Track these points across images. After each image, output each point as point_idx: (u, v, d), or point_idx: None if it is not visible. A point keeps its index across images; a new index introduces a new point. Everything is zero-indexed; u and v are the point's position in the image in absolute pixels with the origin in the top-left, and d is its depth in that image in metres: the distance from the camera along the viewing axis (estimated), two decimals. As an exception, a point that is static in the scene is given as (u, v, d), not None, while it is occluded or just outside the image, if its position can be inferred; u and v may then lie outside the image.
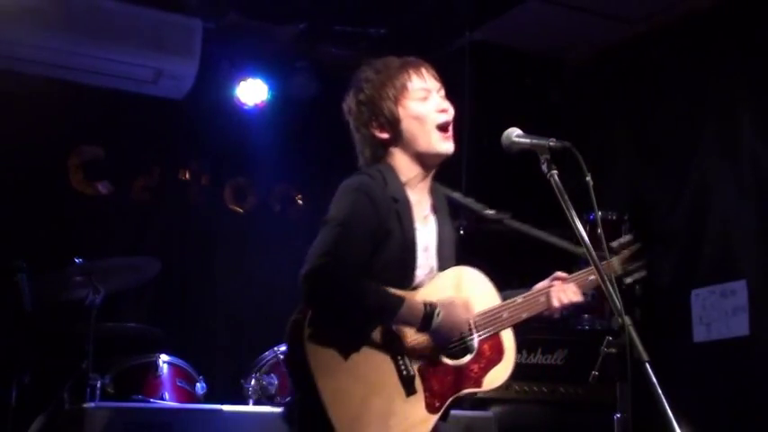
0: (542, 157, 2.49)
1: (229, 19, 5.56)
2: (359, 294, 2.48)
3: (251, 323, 5.75)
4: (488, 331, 2.68)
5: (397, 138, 2.72)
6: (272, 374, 4.61)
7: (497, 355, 2.69)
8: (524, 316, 2.74)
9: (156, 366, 4.53)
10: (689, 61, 5.26)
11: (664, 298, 5.20)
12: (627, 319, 2.21)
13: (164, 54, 5.30)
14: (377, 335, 2.52)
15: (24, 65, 5.26)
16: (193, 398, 4.56)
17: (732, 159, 4.97)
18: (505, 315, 2.70)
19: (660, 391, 2.08)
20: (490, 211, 3.03)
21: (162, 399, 4.45)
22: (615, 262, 2.91)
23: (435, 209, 2.80)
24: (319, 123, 6.01)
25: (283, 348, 4.69)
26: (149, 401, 4.38)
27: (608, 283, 2.29)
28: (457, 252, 2.84)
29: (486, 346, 2.68)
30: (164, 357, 4.58)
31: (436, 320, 2.51)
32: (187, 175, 5.99)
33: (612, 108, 5.79)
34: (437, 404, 2.56)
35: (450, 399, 2.59)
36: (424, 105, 2.73)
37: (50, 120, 5.41)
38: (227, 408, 4.08)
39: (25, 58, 5.20)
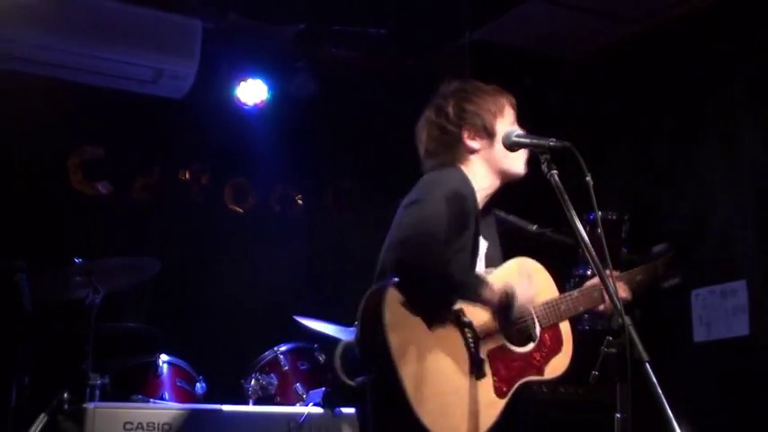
0: (542, 157, 2.50)
1: (229, 19, 5.56)
2: (446, 265, 2.53)
3: (251, 323, 5.75)
4: (548, 321, 2.79)
5: (484, 149, 2.85)
6: (272, 374, 4.61)
7: (557, 344, 2.81)
8: (581, 309, 2.87)
9: (155, 366, 4.53)
10: (689, 61, 5.26)
11: (664, 298, 5.19)
12: (627, 319, 2.22)
13: (164, 54, 5.30)
14: (452, 319, 2.58)
15: (24, 65, 5.26)
16: (193, 398, 4.56)
17: (732, 159, 4.97)
18: (563, 307, 2.82)
19: (660, 391, 2.09)
20: (533, 226, 3.14)
21: (162, 399, 4.44)
22: (658, 264, 3.11)
23: (486, 222, 2.92)
24: (319, 123, 6.03)
25: (284, 348, 4.71)
26: (149, 401, 4.38)
27: (608, 283, 2.29)
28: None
29: (546, 336, 2.79)
30: (164, 357, 4.58)
31: (514, 310, 2.62)
32: (187, 175, 5.99)
33: (612, 108, 5.78)
34: (504, 389, 2.65)
35: (517, 385, 2.68)
36: (513, 130, 2.84)
37: (50, 120, 5.41)
38: (226, 408, 4.08)
39: (25, 58, 5.20)
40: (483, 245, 2.84)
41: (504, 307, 2.60)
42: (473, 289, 2.57)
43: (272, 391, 4.57)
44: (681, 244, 5.16)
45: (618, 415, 2.23)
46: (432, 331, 2.52)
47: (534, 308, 2.76)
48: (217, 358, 5.43)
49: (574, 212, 2.39)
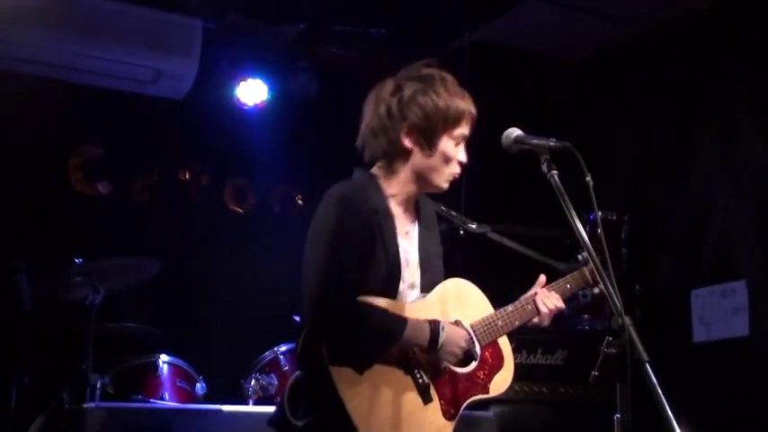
0: (542, 157, 2.49)
1: (229, 19, 5.56)
2: (364, 322, 2.48)
3: (251, 323, 5.74)
4: (487, 339, 2.74)
5: (417, 156, 2.69)
6: (272, 374, 4.61)
7: (499, 361, 2.77)
8: (517, 323, 2.81)
9: (156, 366, 4.54)
10: (688, 61, 5.26)
11: (664, 298, 5.20)
12: (627, 319, 2.21)
13: (164, 54, 5.30)
14: (391, 349, 2.54)
15: (24, 65, 5.26)
16: (193, 398, 4.56)
17: (732, 159, 4.97)
18: (500, 323, 2.78)
19: (660, 391, 2.09)
20: (472, 225, 3.07)
21: (162, 399, 4.45)
22: (586, 270, 2.97)
23: (419, 222, 2.80)
24: (319, 123, 6.03)
25: (284, 348, 4.70)
26: (149, 401, 4.38)
27: (608, 283, 2.29)
28: (447, 254, 2.87)
29: (487, 354, 2.75)
30: (164, 357, 4.58)
31: (442, 336, 2.56)
32: (187, 175, 5.99)
33: (612, 108, 5.79)
34: (452, 411, 2.61)
35: (463, 406, 2.65)
36: (455, 150, 2.71)
37: (50, 120, 5.41)
38: (226, 408, 4.08)
39: (25, 58, 5.20)
40: (411, 249, 2.73)
41: (434, 341, 2.54)
42: (397, 334, 2.49)
43: (272, 391, 4.57)
44: (681, 243, 5.20)
45: (618, 415, 2.23)
46: (377, 367, 2.48)
47: (472, 326, 2.71)
48: (217, 358, 5.44)
49: (574, 212, 2.39)
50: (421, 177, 2.72)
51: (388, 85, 2.75)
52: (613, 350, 2.22)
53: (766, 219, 4.74)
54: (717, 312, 4.92)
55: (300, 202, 6.29)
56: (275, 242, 6.04)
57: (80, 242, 5.25)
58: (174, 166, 5.95)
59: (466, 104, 2.73)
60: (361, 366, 2.46)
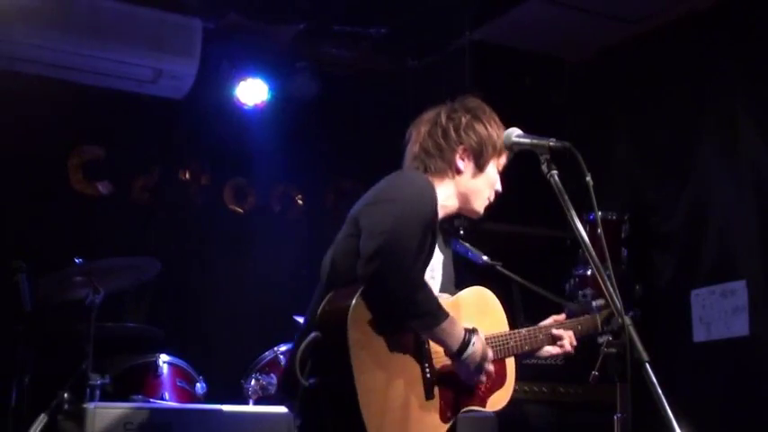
0: (542, 157, 2.50)
1: (229, 19, 5.56)
2: (416, 290, 2.50)
3: (251, 323, 5.75)
4: (497, 355, 2.76)
5: (466, 177, 2.86)
6: (272, 374, 4.61)
7: (501, 379, 2.81)
8: (526, 348, 2.87)
9: (156, 366, 4.54)
10: (689, 61, 5.26)
11: (664, 298, 5.20)
12: (627, 319, 2.21)
13: (164, 54, 5.30)
14: (411, 335, 2.57)
15: (24, 65, 5.26)
16: (193, 398, 4.56)
17: (732, 159, 4.97)
18: (512, 343, 2.83)
19: (660, 391, 2.09)
20: (485, 258, 3.16)
21: (162, 399, 4.45)
22: (598, 318, 3.02)
23: (445, 242, 2.91)
24: (319, 123, 6.03)
25: (284, 348, 4.70)
26: (149, 401, 4.38)
27: (608, 283, 2.29)
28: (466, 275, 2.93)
29: (493, 369, 2.74)
30: (164, 357, 4.58)
31: (470, 349, 2.58)
32: (187, 175, 5.99)
33: (612, 108, 5.78)
34: (449, 414, 2.63)
35: (459, 412, 2.67)
36: (496, 177, 2.93)
37: (50, 120, 5.41)
38: (227, 408, 4.08)
39: (25, 58, 5.20)
40: (439, 258, 2.84)
41: (462, 347, 2.57)
42: (435, 319, 2.52)
43: (272, 391, 4.56)
44: (681, 243, 5.20)
45: (618, 415, 2.23)
46: (391, 345, 2.50)
47: (486, 338, 2.73)
48: (217, 358, 5.43)
49: (574, 212, 2.39)
50: (464, 198, 2.88)
51: (442, 111, 2.92)
52: (613, 350, 2.23)
53: (766, 219, 4.74)
54: (717, 312, 4.92)
55: (300, 202, 6.29)
56: (275, 242, 6.05)
57: (80, 242, 5.25)
58: (174, 166, 5.95)
59: (502, 135, 2.89)
60: (382, 342, 2.47)
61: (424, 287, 2.55)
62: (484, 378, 2.65)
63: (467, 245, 3.14)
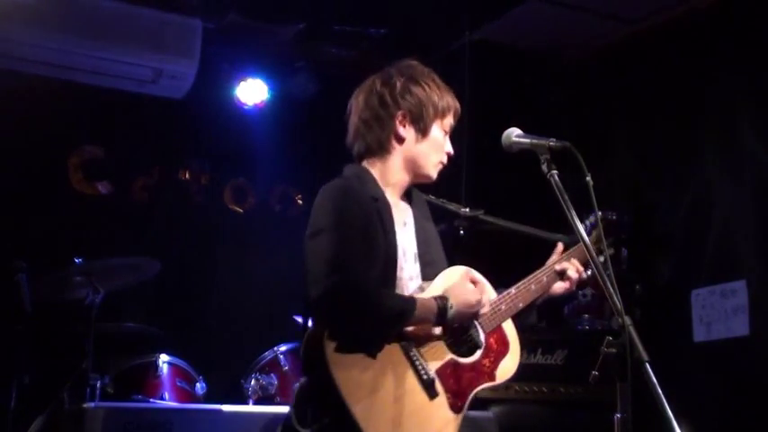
0: (542, 157, 2.49)
1: (229, 19, 5.56)
2: (377, 305, 2.48)
3: (251, 323, 5.75)
4: (492, 325, 2.73)
5: (410, 143, 2.78)
6: (272, 374, 4.62)
7: (503, 347, 2.75)
8: (521, 305, 2.80)
9: (156, 366, 4.54)
10: (689, 61, 5.26)
11: (664, 298, 5.20)
12: (627, 319, 2.21)
13: (164, 54, 5.30)
14: (393, 346, 2.53)
15: (24, 65, 5.26)
16: (193, 398, 4.56)
17: (732, 159, 4.96)
18: (504, 307, 2.76)
19: (660, 391, 2.09)
20: (465, 209, 3.08)
21: (162, 399, 4.45)
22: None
23: (414, 213, 2.84)
24: (319, 123, 6.01)
25: (284, 348, 4.71)
26: (149, 401, 4.38)
27: (608, 283, 2.29)
28: (447, 254, 2.86)
29: (492, 340, 2.73)
30: (164, 357, 4.59)
31: (450, 312, 2.56)
32: (187, 175, 6.00)
33: (612, 108, 5.78)
34: (459, 403, 2.59)
35: (471, 396, 2.63)
36: (444, 139, 2.83)
37: (50, 120, 5.41)
38: (226, 408, 4.08)
39: (25, 58, 5.20)
40: (409, 239, 2.76)
41: (442, 315, 2.54)
42: (408, 313, 2.49)
43: (272, 391, 4.57)
44: (681, 243, 5.20)
45: (618, 415, 2.23)
46: (377, 362, 2.46)
47: (482, 294, 2.69)
48: (217, 358, 5.44)
49: (574, 212, 2.39)
50: (412, 165, 2.80)
51: (377, 78, 2.86)
52: (613, 350, 2.22)
53: (766, 219, 4.74)
54: (717, 312, 4.92)
55: (300, 201, 6.30)
56: (275, 242, 6.05)
57: (80, 242, 5.25)
58: (174, 166, 5.95)
59: (452, 99, 2.86)
60: (366, 363, 2.44)
61: (382, 297, 2.50)
62: (484, 309, 2.63)
63: (443, 201, 3.08)
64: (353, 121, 2.87)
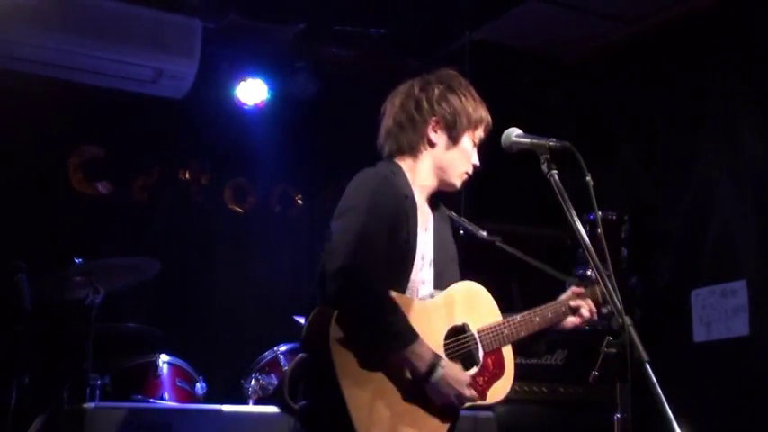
0: (542, 157, 2.50)
1: (229, 19, 5.55)
2: (383, 307, 2.48)
3: (251, 323, 5.75)
4: (491, 346, 2.75)
5: (440, 149, 2.83)
6: (272, 374, 4.62)
7: (499, 369, 2.77)
8: (523, 334, 2.83)
9: (156, 366, 4.54)
10: (689, 61, 5.26)
11: (664, 298, 5.20)
12: (627, 319, 2.21)
13: (164, 54, 5.30)
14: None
15: (24, 65, 5.26)
16: (193, 398, 4.56)
17: (732, 159, 4.97)
18: (506, 332, 2.79)
19: (660, 391, 2.09)
20: (483, 233, 3.11)
21: (162, 399, 4.45)
22: (597, 290, 2.97)
23: (435, 220, 2.87)
24: (319, 123, 6.03)
25: (284, 348, 4.71)
26: (149, 401, 4.38)
27: (608, 283, 2.29)
28: (461, 268, 2.88)
29: (489, 360, 2.75)
30: (164, 357, 4.58)
31: (438, 372, 2.52)
32: (187, 175, 5.99)
33: (612, 108, 5.78)
34: (448, 413, 2.60)
35: (460, 409, 2.64)
36: (472, 150, 2.88)
37: (50, 120, 5.41)
38: (226, 408, 4.08)
39: (25, 58, 5.20)
40: (428, 244, 2.79)
41: (427, 371, 2.50)
42: (403, 343, 2.47)
43: (272, 391, 4.57)
44: (681, 243, 5.20)
45: (618, 415, 2.23)
46: (377, 358, 2.47)
47: (478, 331, 2.72)
48: (217, 358, 5.44)
49: (574, 212, 2.39)
50: (440, 171, 2.84)
51: (415, 83, 2.90)
52: (613, 350, 2.22)
53: (766, 219, 4.74)
54: (717, 312, 4.92)
55: (300, 202, 6.30)
56: (275, 242, 6.05)
57: (80, 242, 5.25)
58: (174, 166, 5.95)
59: (485, 112, 2.91)
60: (367, 355, 2.45)
61: (392, 307, 2.50)
62: (465, 397, 2.58)
63: (463, 220, 3.11)
64: (387, 122, 2.90)
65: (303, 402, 2.50)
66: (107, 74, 5.39)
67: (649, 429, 2.35)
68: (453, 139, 2.83)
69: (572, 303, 2.93)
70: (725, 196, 4.97)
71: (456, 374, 2.57)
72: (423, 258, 2.74)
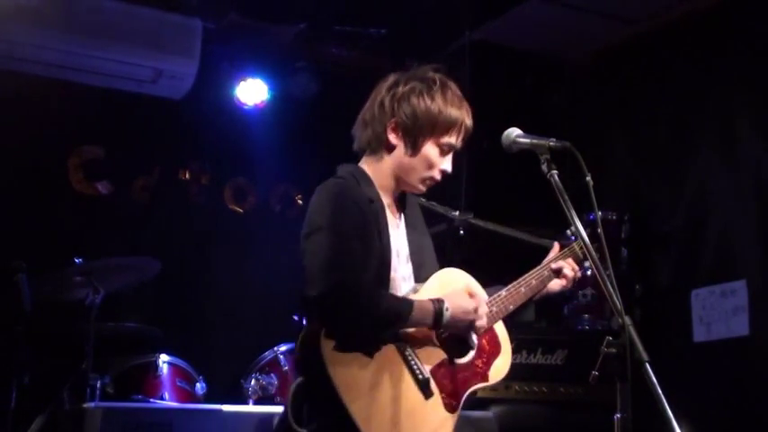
0: (542, 157, 2.50)
1: (229, 19, 5.56)
2: (375, 306, 2.47)
3: (251, 323, 5.75)
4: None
5: (398, 153, 2.73)
6: (272, 374, 4.62)
7: (495, 347, 2.76)
8: (511, 307, 2.80)
9: (155, 366, 4.54)
10: (689, 61, 5.26)
11: (664, 298, 5.20)
12: (627, 319, 2.21)
13: (164, 54, 5.30)
14: (388, 346, 2.53)
15: (24, 65, 5.26)
16: (193, 398, 4.56)
17: (732, 159, 4.96)
18: (495, 309, 2.76)
19: (660, 391, 2.09)
20: (455, 212, 3.07)
21: (162, 399, 4.45)
22: (576, 246, 2.94)
23: (405, 215, 2.83)
24: (319, 123, 6.02)
25: (284, 348, 4.71)
26: (149, 401, 4.38)
27: (608, 283, 2.29)
28: (448, 253, 2.86)
29: (484, 341, 2.74)
30: (164, 357, 4.59)
31: (446, 315, 2.54)
32: (187, 175, 5.99)
33: (612, 108, 5.78)
34: (453, 403, 2.61)
35: (464, 396, 2.65)
36: (439, 158, 2.74)
37: (50, 120, 5.41)
38: (226, 408, 4.08)
39: (25, 58, 5.20)
40: (401, 239, 2.76)
41: (438, 319, 2.52)
42: (405, 316, 2.48)
43: (272, 391, 4.57)
44: (681, 243, 5.20)
45: (618, 415, 2.23)
46: (373, 361, 2.47)
47: (479, 301, 2.67)
48: (217, 358, 5.44)
49: (574, 212, 2.39)
50: (399, 175, 2.75)
51: (389, 79, 2.78)
52: (613, 350, 2.22)
53: (766, 219, 4.74)
54: (717, 312, 4.92)
55: (300, 202, 6.30)
56: (275, 242, 6.04)
57: (80, 242, 5.25)
58: (174, 166, 5.95)
59: (460, 115, 2.73)
60: (363, 362, 2.45)
61: (380, 298, 2.49)
62: (479, 322, 2.60)
63: (433, 204, 3.08)
64: (360, 116, 2.83)
65: (308, 425, 2.47)
66: (107, 74, 5.39)
67: (649, 429, 2.36)
68: (413, 145, 2.68)
69: (553, 265, 2.88)
70: (725, 196, 4.97)
71: (462, 305, 2.57)
72: (398, 255, 2.72)
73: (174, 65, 5.37)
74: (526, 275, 2.87)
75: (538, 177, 2.51)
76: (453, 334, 2.67)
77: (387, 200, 2.77)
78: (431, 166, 2.72)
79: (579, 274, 2.91)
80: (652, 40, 5.51)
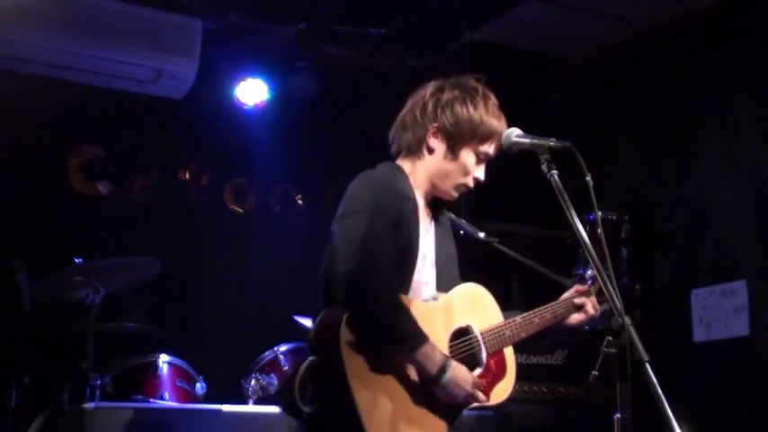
0: (542, 157, 2.50)
1: (229, 19, 5.56)
2: (393, 312, 2.48)
3: (251, 323, 5.75)
4: (494, 347, 2.75)
5: (437, 157, 2.78)
6: (272, 374, 4.62)
7: (501, 370, 2.77)
8: (523, 335, 2.83)
9: (155, 366, 4.54)
10: (689, 61, 5.26)
11: (664, 298, 5.20)
12: (627, 319, 2.21)
13: (164, 54, 5.30)
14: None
15: (24, 65, 5.26)
16: (193, 398, 4.56)
17: (732, 159, 4.96)
18: (508, 333, 2.79)
19: (660, 391, 2.09)
20: (481, 234, 3.10)
21: (162, 399, 4.45)
22: (592, 290, 2.99)
23: (437, 222, 2.86)
24: (319, 123, 6.03)
25: (284, 348, 4.70)
26: (149, 401, 4.38)
27: (608, 283, 2.29)
28: (462, 270, 2.89)
29: (492, 362, 2.75)
30: (164, 357, 4.58)
31: (445, 378, 2.52)
32: (187, 175, 5.99)
33: (612, 108, 5.78)
34: (452, 414, 2.62)
35: (463, 410, 2.65)
36: (474, 166, 2.80)
37: (50, 120, 5.41)
38: (226, 408, 4.08)
39: (25, 58, 5.20)
40: (429, 244, 2.79)
41: (438, 373, 2.51)
42: (413, 345, 2.47)
43: (272, 391, 4.57)
44: (681, 243, 5.20)
45: (618, 415, 2.23)
46: (386, 361, 2.48)
47: (481, 333, 2.73)
48: (217, 358, 5.44)
49: (574, 212, 2.39)
50: (435, 179, 2.80)
51: (431, 85, 2.84)
52: (613, 350, 2.22)
53: (766, 219, 4.74)
54: (717, 312, 4.92)
55: (300, 202, 6.30)
56: (275, 242, 6.05)
57: (80, 242, 5.25)
58: (174, 166, 5.95)
59: (500, 126, 2.80)
60: (376, 357, 2.45)
61: (401, 310, 2.49)
62: (474, 398, 2.60)
63: (462, 222, 3.10)
64: (399, 119, 2.87)
65: (311, 405, 2.48)
66: (107, 74, 5.39)
67: (649, 429, 2.36)
68: (452, 150, 2.76)
69: (576, 301, 2.93)
70: (725, 196, 4.97)
71: (465, 376, 2.58)
72: (424, 258, 2.75)
73: (174, 65, 5.37)
74: (542, 308, 2.90)
75: (538, 177, 2.51)
76: (464, 353, 2.68)
77: (421, 201, 2.80)
78: (466, 172, 2.79)
79: (599, 313, 2.95)
80: (652, 39, 5.51)
